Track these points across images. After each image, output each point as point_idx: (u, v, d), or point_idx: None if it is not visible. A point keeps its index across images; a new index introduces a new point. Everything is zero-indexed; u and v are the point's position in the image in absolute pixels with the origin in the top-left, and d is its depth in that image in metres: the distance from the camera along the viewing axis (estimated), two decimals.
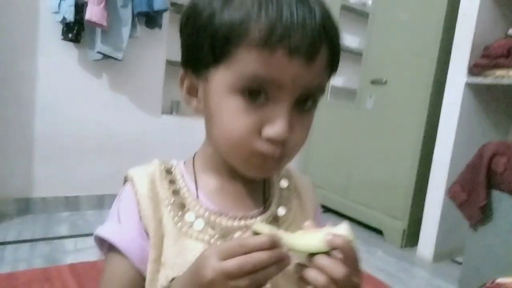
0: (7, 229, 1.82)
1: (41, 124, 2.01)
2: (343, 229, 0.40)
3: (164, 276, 0.46)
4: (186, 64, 0.48)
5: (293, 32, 0.39)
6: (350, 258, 0.39)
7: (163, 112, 2.40)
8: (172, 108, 2.48)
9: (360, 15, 2.96)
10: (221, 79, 0.43)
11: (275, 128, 0.42)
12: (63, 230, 1.89)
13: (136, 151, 2.26)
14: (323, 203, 2.71)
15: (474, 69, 1.88)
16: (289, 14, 0.40)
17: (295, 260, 0.39)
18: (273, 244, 0.37)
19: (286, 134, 0.42)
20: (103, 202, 2.21)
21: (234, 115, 0.43)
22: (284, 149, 0.45)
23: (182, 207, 0.49)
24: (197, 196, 0.50)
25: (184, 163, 0.55)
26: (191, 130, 2.38)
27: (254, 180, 0.53)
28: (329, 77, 0.48)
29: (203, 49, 0.44)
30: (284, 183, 0.57)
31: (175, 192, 0.50)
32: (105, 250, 0.50)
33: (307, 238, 0.40)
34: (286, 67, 0.40)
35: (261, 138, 0.43)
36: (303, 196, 0.58)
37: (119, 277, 0.48)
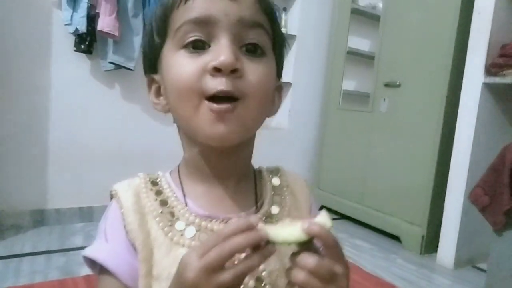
0: (23, 241, 1.83)
1: (54, 135, 2.02)
2: (321, 218, 0.39)
3: None
4: (147, 67, 0.52)
5: None
6: (329, 245, 0.38)
7: (175, 121, 2.39)
8: None
9: (370, 18, 2.93)
10: (169, 48, 0.47)
11: (219, 57, 0.42)
12: (78, 241, 1.89)
13: (149, 161, 2.26)
14: (338, 210, 2.66)
15: (492, 69, 1.83)
16: None
17: (283, 256, 0.39)
18: (249, 227, 0.36)
19: (229, 60, 0.42)
20: None
21: (180, 64, 0.45)
22: (235, 88, 0.43)
23: (171, 216, 0.48)
24: (186, 204, 0.49)
25: (170, 173, 0.54)
26: None
27: (242, 177, 0.53)
28: (269, 21, 0.49)
29: (154, 39, 0.49)
30: (276, 181, 0.56)
31: (163, 202, 0.49)
32: (96, 270, 0.48)
33: (287, 229, 0.39)
34: (212, 5, 0.44)
35: (208, 75, 0.43)
36: (296, 193, 0.57)
37: None
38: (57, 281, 1.47)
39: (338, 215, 2.67)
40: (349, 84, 3.02)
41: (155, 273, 0.45)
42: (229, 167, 0.51)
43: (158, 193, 0.50)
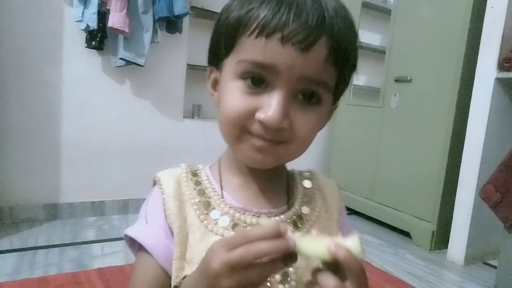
0: (37, 234, 1.87)
1: (66, 130, 2.05)
2: (351, 242, 0.38)
3: (189, 273, 0.47)
4: (211, 60, 0.53)
5: (289, 22, 0.42)
6: (352, 272, 0.37)
7: (185, 116, 2.41)
8: (193, 112, 2.49)
9: (381, 12, 2.90)
10: (229, 66, 0.48)
11: (267, 113, 0.44)
12: (90, 235, 1.92)
13: (159, 156, 2.28)
14: (348, 205, 2.66)
15: (504, 63, 1.80)
16: (289, 5, 0.42)
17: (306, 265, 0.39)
18: (277, 234, 0.36)
19: (276, 120, 0.43)
20: (127, 207, 2.23)
21: (234, 96, 0.46)
22: (280, 137, 0.46)
23: (207, 205, 0.51)
24: (222, 196, 0.52)
25: (210, 167, 0.57)
26: (213, 134, 2.37)
27: (276, 176, 0.55)
28: (339, 76, 0.48)
29: (220, 43, 0.49)
30: (307, 184, 0.58)
31: (201, 192, 0.52)
32: (135, 249, 0.53)
33: (314, 243, 0.38)
34: (281, 54, 0.43)
35: (254, 120, 0.45)
36: (327, 197, 0.58)
37: (146, 274, 0.50)
38: (70, 273, 1.50)
39: (348, 211, 2.66)
40: (359, 79, 3.00)
41: (188, 257, 0.49)
42: None
43: (197, 183, 0.53)
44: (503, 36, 1.81)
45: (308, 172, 0.60)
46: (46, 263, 1.58)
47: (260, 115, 0.44)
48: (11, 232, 1.85)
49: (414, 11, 2.29)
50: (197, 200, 0.51)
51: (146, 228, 0.51)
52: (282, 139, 0.46)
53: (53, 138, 2.03)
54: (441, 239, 2.11)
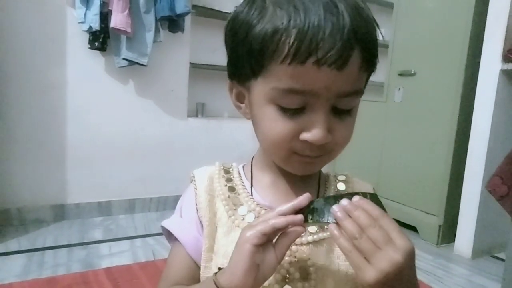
0: (45, 235, 1.88)
1: (71, 131, 2.07)
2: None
3: (215, 264, 0.50)
4: (232, 75, 0.52)
5: (321, 43, 0.40)
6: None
7: (189, 115, 2.41)
8: (197, 111, 2.49)
9: (384, 5, 2.88)
10: (261, 91, 0.46)
11: (313, 133, 0.44)
12: (98, 234, 1.94)
13: (164, 155, 2.29)
14: None
15: (509, 55, 1.79)
16: (317, 25, 0.40)
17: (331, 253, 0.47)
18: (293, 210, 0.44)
19: (323, 140, 0.45)
20: (134, 206, 2.24)
21: (273, 122, 0.46)
22: (323, 150, 0.47)
23: (236, 201, 0.54)
24: (251, 193, 0.55)
25: (244, 166, 0.60)
26: (217, 132, 2.39)
27: (307, 177, 0.55)
28: (368, 76, 0.49)
29: (243, 63, 0.47)
30: (341, 186, 0.58)
31: (231, 189, 0.55)
32: (171, 239, 0.57)
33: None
34: (317, 77, 0.42)
35: (299, 140, 0.46)
36: None
37: (178, 263, 0.55)
38: (79, 273, 1.51)
39: None
40: None
41: (215, 249, 0.52)
42: None
43: (229, 180, 0.56)
44: (507, 27, 1.79)
45: (343, 175, 0.60)
46: (54, 264, 1.59)
47: (305, 136, 0.45)
48: (19, 233, 1.87)
49: (417, 4, 2.28)
50: (227, 195, 0.54)
51: (180, 221, 0.56)
52: (325, 152, 0.48)
53: (58, 139, 2.05)
54: (448, 233, 2.10)
